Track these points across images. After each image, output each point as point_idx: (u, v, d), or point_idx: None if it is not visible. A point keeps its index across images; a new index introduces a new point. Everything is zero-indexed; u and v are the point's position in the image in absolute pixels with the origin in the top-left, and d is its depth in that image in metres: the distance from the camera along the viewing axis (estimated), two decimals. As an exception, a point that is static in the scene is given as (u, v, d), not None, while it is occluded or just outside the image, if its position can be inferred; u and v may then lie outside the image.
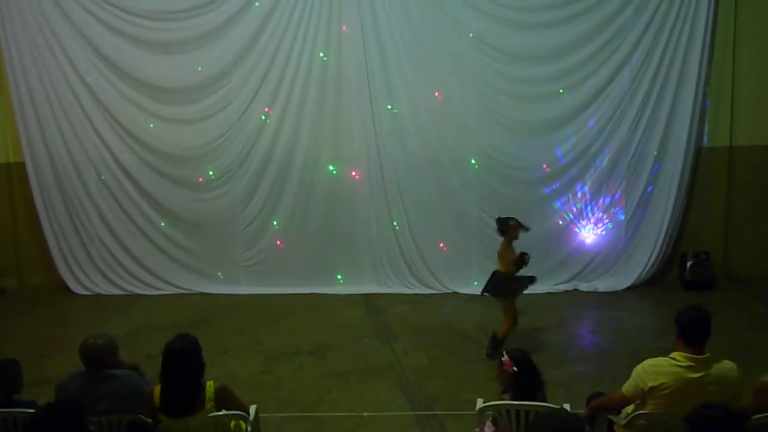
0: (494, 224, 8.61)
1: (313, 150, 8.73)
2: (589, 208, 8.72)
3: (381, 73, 8.54)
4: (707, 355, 3.72)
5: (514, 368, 3.84)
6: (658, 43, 8.32)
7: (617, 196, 8.67)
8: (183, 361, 3.79)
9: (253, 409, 4.19)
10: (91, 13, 8.61)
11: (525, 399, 3.75)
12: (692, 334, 3.74)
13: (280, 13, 8.51)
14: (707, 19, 8.25)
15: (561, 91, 8.51)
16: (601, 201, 8.70)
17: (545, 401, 3.84)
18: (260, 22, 8.53)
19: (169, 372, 3.79)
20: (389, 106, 8.59)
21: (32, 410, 3.55)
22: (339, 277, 8.88)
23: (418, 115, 8.60)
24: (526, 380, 3.84)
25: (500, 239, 6.68)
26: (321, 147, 8.73)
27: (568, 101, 8.53)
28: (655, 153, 8.53)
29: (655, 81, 8.39)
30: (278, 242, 8.90)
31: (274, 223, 8.88)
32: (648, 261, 8.63)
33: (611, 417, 4.02)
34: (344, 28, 8.49)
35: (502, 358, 3.91)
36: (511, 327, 6.46)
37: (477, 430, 3.91)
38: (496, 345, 6.35)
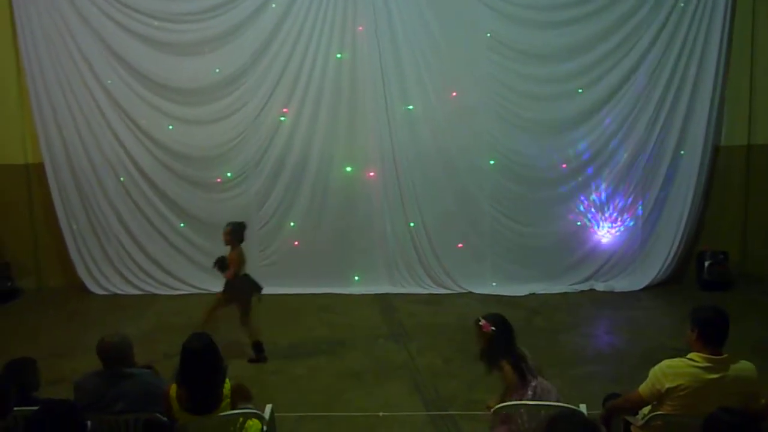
0: (508, 224, 8.68)
1: (328, 150, 8.74)
2: (605, 207, 8.67)
3: (396, 73, 8.54)
4: (725, 355, 3.69)
5: (492, 328, 4.27)
6: (675, 41, 8.26)
7: (634, 195, 8.61)
8: (202, 360, 3.82)
9: (268, 408, 4.22)
10: (108, 16, 8.67)
11: (503, 357, 4.13)
12: (710, 334, 3.71)
13: (296, 14, 8.53)
14: (725, 16, 8.18)
15: (580, 90, 8.46)
16: (617, 200, 8.64)
17: (540, 376, 4.13)
18: (276, 22, 8.55)
19: (188, 371, 3.81)
20: (410, 107, 8.59)
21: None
22: (357, 278, 8.88)
23: (433, 115, 8.59)
24: (503, 339, 4.24)
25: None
26: (336, 147, 8.75)
27: (584, 100, 8.49)
28: (672, 151, 8.47)
29: (672, 79, 8.32)
30: (295, 242, 8.92)
31: (292, 224, 8.90)
32: (665, 261, 8.57)
33: (628, 418, 4.00)
34: (360, 29, 8.50)
35: (480, 322, 4.36)
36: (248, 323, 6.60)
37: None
38: (259, 348, 6.62)
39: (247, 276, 6.73)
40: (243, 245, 6.72)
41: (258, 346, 6.67)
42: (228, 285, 6.64)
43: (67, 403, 3.46)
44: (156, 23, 8.67)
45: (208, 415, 3.81)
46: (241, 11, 8.55)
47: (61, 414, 3.17)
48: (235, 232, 6.65)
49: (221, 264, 6.61)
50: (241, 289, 6.61)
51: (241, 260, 6.62)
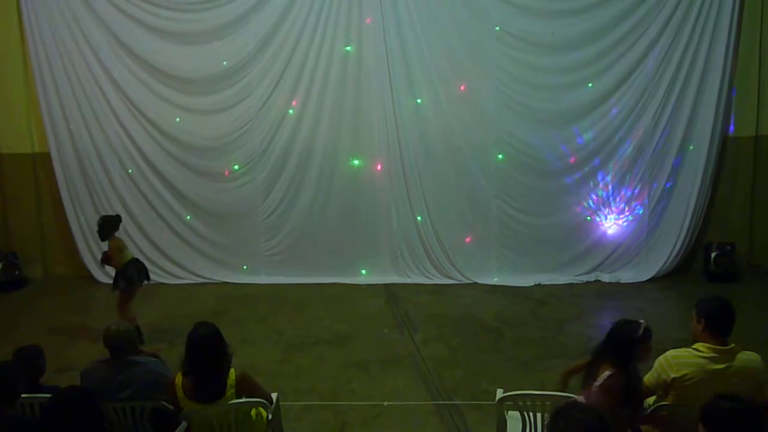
0: (514, 214, 8.66)
1: (333, 141, 8.72)
2: (611, 198, 8.64)
3: (403, 65, 8.49)
4: (731, 346, 3.69)
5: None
6: (683, 31, 8.18)
7: (640, 185, 8.57)
8: (208, 348, 3.83)
9: (274, 396, 4.24)
10: (115, 5, 8.66)
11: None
12: (716, 324, 3.71)
13: (302, 5, 8.48)
14: (733, 5, 8.09)
15: (590, 85, 8.40)
16: (624, 191, 8.60)
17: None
18: (282, 12, 8.52)
19: (193, 359, 3.83)
20: (419, 100, 8.55)
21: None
22: (363, 271, 8.88)
23: (439, 106, 8.55)
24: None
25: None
26: (342, 138, 8.73)
27: (592, 90, 8.44)
28: (680, 142, 8.41)
29: (680, 69, 8.26)
30: (300, 233, 8.93)
31: (297, 215, 8.90)
32: (671, 252, 8.54)
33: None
34: (368, 21, 8.45)
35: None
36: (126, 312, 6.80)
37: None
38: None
39: (136, 261, 6.96)
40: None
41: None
42: (119, 274, 6.80)
43: (83, 389, 3.47)
44: (162, 12, 8.64)
45: (213, 404, 3.82)
46: (247, 1, 8.52)
47: (78, 401, 3.15)
48: (105, 226, 6.90)
49: (104, 259, 7.01)
50: (131, 276, 6.81)
51: (120, 248, 6.87)
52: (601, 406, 3.39)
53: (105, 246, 7.06)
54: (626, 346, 3.64)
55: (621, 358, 3.61)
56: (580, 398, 3.65)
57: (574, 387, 4.58)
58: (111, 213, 8.96)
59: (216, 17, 8.62)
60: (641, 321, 3.75)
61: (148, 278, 7.07)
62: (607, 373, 3.56)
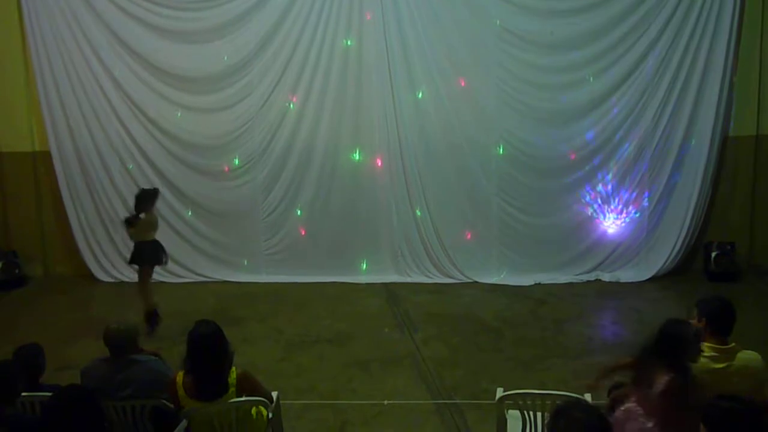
0: (515, 213, 8.65)
1: (334, 138, 8.72)
2: (612, 197, 8.63)
3: (403, 61, 8.50)
4: (732, 345, 3.69)
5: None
6: (683, 30, 8.18)
7: (640, 185, 8.56)
8: (208, 347, 3.83)
9: (274, 395, 4.24)
10: (115, 3, 8.65)
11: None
12: (717, 324, 3.71)
13: (303, 1, 8.48)
14: (734, 5, 8.09)
15: (591, 79, 8.40)
16: (624, 190, 8.60)
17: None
18: (283, 10, 8.52)
19: (194, 357, 3.83)
20: (419, 95, 8.55)
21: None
22: (364, 266, 8.87)
23: (440, 102, 8.55)
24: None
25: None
26: (342, 135, 8.72)
27: (592, 89, 8.43)
28: (680, 141, 8.40)
29: (680, 69, 8.26)
30: (301, 231, 8.93)
31: (298, 212, 8.90)
32: (671, 251, 8.54)
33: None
34: (368, 16, 8.46)
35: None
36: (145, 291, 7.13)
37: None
38: (152, 319, 7.06)
39: (156, 242, 7.06)
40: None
41: (151, 317, 7.02)
42: (137, 249, 6.99)
43: (84, 388, 3.46)
44: (163, 11, 8.64)
45: (214, 402, 3.82)
46: (248, -1, 8.54)
47: (79, 399, 3.13)
48: (146, 198, 7.05)
49: (129, 221, 6.99)
50: (148, 254, 6.98)
51: (153, 225, 7.02)
52: (665, 411, 3.33)
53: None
54: (681, 346, 3.49)
55: (676, 358, 3.47)
56: (582, 398, 3.65)
57: (574, 386, 4.59)
58: (112, 211, 9.03)
59: (217, 16, 8.62)
60: (690, 320, 3.66)
61: (166, 261, 7.26)
62: (665, 377, 3.41)
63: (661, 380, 3.41)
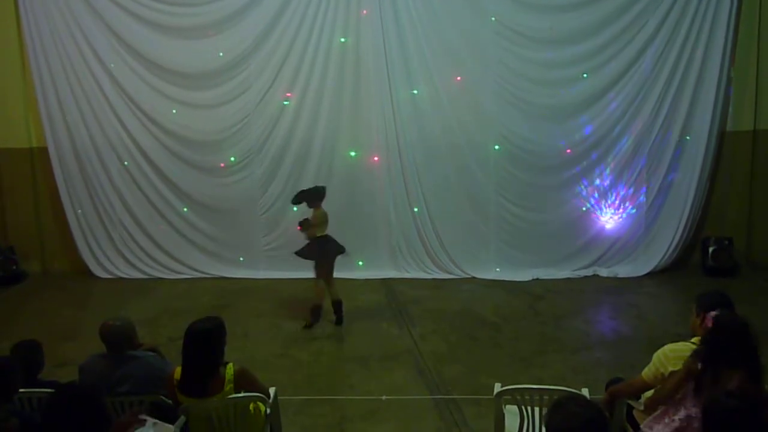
0: (512, 209, 8.65)
1: (331, 134, 8.70)
2: (609, 192, 8.64)
3: (400, 57, 8.48)
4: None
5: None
6: (681, 26, 8.18)
7: (638, 180, 8.57)
8: (198, 344, 3.81)
9: (272, 391, 4.24)
10: (112, 0, 8.64)
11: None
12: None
13: (299, -2, 8.49)
14: (731, 1, 8.09)
15: (585, 75, 8.40)
16: (622, 186, 8.61)
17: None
18: (279, 5, 8.49)
19: (188, 352, 3.82)
20: (415, 91, 8.54)
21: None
22: (360, 263, 8.86)
23: (437, 99, 8.54)
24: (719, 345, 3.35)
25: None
26: (340, 132, 8.71)
27: (590, 85, 8.43)
28: (678, 137, 8.41)
29: (678, 64, 8.26)
30: (299, 227, 8.89)
31: (295, 208, 8.87)
32: (669, 246, 8.55)
33: (631, 402, 4.01)
34: (364, 12, 8.45)
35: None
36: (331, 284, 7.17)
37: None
38: (337, 309, 7.19)
39: (327, 237, 7.08)
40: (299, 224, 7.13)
41: (337, 306, 7.20)
42: (319, 245, 7.01)
43: (84, 385, 3.45)
44: (160, 6, 8.60)
45: (210, 398, 3.82)
46: (244, -6, 8.51)
47: (80, 396, 3.11)
48: (314, 194, 7.11)
49: (303, 223, 7.07)
50: (321, 250, 7.00)
51: (323, 220, 7.04)
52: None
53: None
54: (745, 339, 3.29)
55: (745, 354, 3.27)
56: (580, 392, 3.65)
57: (572, 381, 4.60)
58: (110, 208, 9.03)
59: (214, 11, 8.59)
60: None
61: (342, 251, 7.22)
62: (736, 376, 3.22)
63: (732, 382, 3.23)
